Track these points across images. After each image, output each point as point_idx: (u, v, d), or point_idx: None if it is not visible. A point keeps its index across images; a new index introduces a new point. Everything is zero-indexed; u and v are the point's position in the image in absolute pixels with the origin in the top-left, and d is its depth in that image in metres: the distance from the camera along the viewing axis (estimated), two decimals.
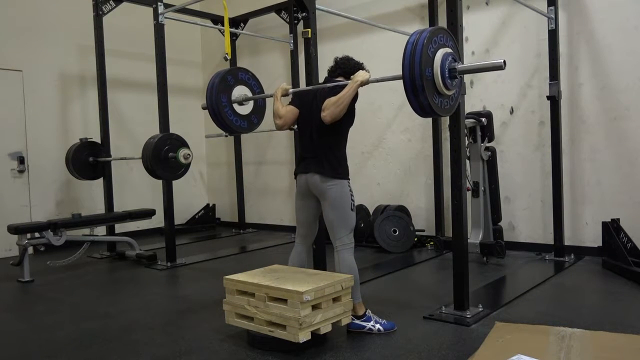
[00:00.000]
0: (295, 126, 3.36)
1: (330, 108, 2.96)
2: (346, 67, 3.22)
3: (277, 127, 3.28)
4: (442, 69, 2.70)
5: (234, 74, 3.80)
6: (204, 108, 3.80)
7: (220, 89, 3.64)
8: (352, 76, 3.06)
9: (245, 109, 3.84)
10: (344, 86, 3.02)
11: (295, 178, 3.29)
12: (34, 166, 6.23)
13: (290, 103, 3.31)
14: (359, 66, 3.23)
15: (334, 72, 3.27)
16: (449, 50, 2.78)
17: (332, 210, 3.10)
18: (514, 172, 5.37)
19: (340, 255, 3.12)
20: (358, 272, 3.15)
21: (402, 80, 2.70)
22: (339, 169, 3.11)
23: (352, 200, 3.13)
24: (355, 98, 3.05)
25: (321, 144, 3.12)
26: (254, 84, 3.89)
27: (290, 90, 3.37)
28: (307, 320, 2.72)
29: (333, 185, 3.07)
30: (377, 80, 3.07)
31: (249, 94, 3.82)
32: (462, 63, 2.91)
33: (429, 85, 2.65)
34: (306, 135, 3.20)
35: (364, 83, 3.00)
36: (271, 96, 3.46)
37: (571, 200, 5.06)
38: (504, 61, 2.73)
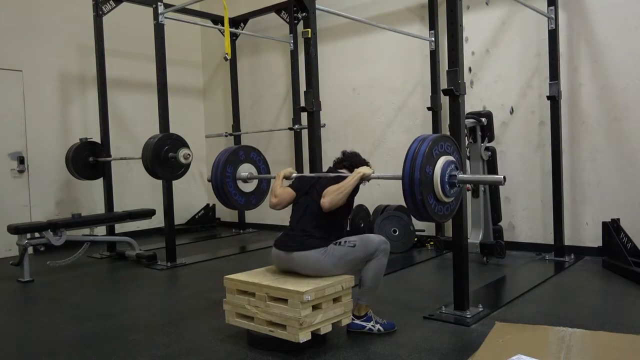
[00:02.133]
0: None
1: (331, 195, 2.98)
2: (353, 160, 3.29)
3: (271, 205, 3.31)
4: (443, 173, 2.71)
5: (246, 151, 3.81)
6: (208, 180, 3.81)
7: (229, 160, 3.65)
8: (355, 169, 3.11)
9: (247, 187, 3.82)
10: (345, 178, 3.06)
11: (272, 249, 3.17)
12: (34, 166, 6.23)
13: (290, 185, 3.34)
14: (364, 162, 3.30)
15: (339, 163, 3.33)
16: (450, 158, 2.80)
17: (346, 268, 3.02)
18: (514, 172, 5.37)
19: (374, 260, 3.04)
20: (382, 278, 3.11)
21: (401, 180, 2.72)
22: (325, 241, 3.02)
23: (345, 243, 3.01)
24: (355, 190, 3.09)
25: (313, 224, 3.06)
26: (263, 168, 3.88)
27: (294, 174, 3.41)
28: (308, 320, 2.72)
29: (325, 259, 2.95)
30: (379, 177, 3.14)
31: (255, 173, 3.83)
32: (464, 172, 2.95)
33: (426, 182, 2.65)
34: (299, 212, 3.16)
35: (365, 177, 3.05)
36: (274, 177, 3.50)
37: (571, 200, 5.06)
38: (504, 177, 2.78)
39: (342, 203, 3.01)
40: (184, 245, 6.36)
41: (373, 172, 3.10)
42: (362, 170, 3.06)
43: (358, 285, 3.09)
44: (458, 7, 3.30)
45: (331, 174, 3.22)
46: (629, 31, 4.68)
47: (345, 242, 3.03)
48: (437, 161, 2.72)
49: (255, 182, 3.87)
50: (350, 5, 6.31)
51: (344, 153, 3.37)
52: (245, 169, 3.78)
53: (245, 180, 3.77)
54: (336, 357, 2.78)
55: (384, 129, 6.24)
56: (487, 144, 4.96)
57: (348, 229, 3.28)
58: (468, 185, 4.75)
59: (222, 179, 3.64)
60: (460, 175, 2.83)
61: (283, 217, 7.46)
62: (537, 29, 5.15)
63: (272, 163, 7.37)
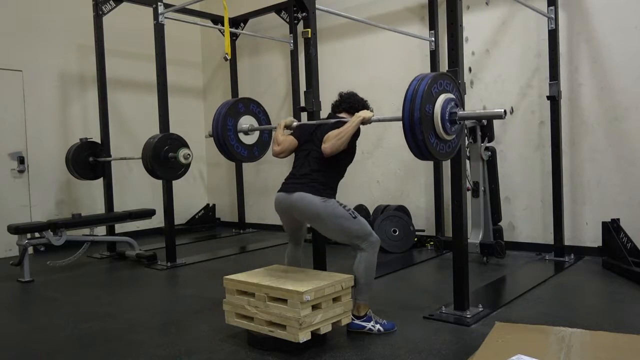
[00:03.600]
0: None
1: (332, 140, 2.99)
2: (351, 102, 3.28)
3: (274, 153, 3.33)
4: (443, 111, 2.70)
5: (245, 104, 3.80)
6: (208, 136, 3.81)
7: (229, 113, 3.64)
8: (355, 113, 3.10)
9: (249, 139, 3.83)
10: (346, 122, 3.06)
11: (276, 194, 3.20)
12: (34, 166, 6.23)
13: (292, 134, 3.35)
14: (363, 103, 3.29)
15: (337, 107, 3.32)
16: (450, 95, 2.79)
17: (336, 231, 3.05)
18: (514, 172, 5.37)
19: (362, 255, 3.07)
20: (374, 273, 3.13)
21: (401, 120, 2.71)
22: (329, 191, 3.07)
23: (348, 210, 3.06)
24: (356, 134, 3.09)
25: (316, 169, 3.09)
26: (263, 119, 3.88)
27: (295, 123, 3.41)
28: (307, 320, 2.72)
29: (323, 206, 2.99)
30: (379, 120, 3.12)
31: (255, 124, 3.83)
32: (463, 109, 2.93)
33: (427, 121, 2.64)
34: (301, 158, 3.20)
35: (365, 120, 3.04)
36: (275, 128, 3.51)
37: (571, 200, 5.06)
38: (505, 110, 2.77)
39: (343, 148, 3.01)
40: (184, 245, 6.36)
41: (373, 115, 3.08)
42: (362, 114, 3.05)
43: (353, 285, 3.09)
44: (458, 7, 3.30)
45: (331, 120, 3.22)
46: (629, 31, 4.68)
47: (348, 208, 3.06)
48: (436, 99, 2.71)
49: (257, 133, 3.86)
50: (350, 5, 6.30)
51: (341, 95, 3.34)
52: (246, 121, 3.76)
53: (246, 133, 3.77)
54: (336, 357, 2.77)
55: (384, 129, 6.24)
56: (487, 144, 4.96)
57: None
58: (468, 185, 4.75)
59: (224, 133, 3.63)
60: (460, 112, 2.81)
61: None
62: (537, 29, 5.15)
63: (272, 163, 7.41)
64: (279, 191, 3.19)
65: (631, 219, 4.64)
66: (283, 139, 3.31)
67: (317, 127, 3.25)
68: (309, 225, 3.32)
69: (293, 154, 3.34)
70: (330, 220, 3.02)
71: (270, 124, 3.94)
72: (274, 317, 2.80)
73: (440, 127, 2.70)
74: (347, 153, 3.13)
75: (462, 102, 3.01)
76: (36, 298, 4.33)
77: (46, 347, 3.12)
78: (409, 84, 2.73)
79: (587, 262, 4.79)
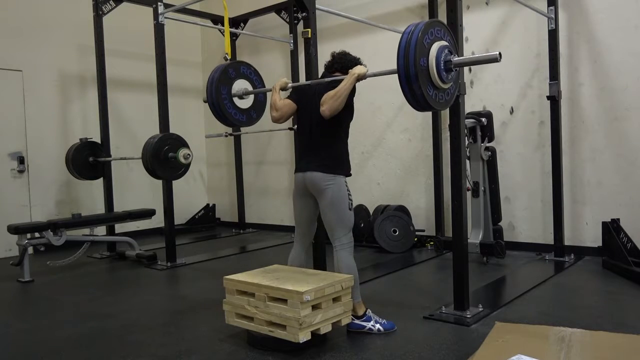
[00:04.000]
0: (296, 126, 3.36)
1: (329, 102, 2.97)
2: (343, 61, 3.23)
3: (273, 120, 3.28)
4: (438, 60, 2.68)
5: (235, 68, 3.78)
6: (205, 101, 3.79)
7: (221, 80, 3.62)
8: (349, 70, 3.06)
9: (245, 103, 3.82)
10: (341, 81, 3.03)
11: (294, 175, 3.27)
12: (34, 166, 6.23)
13: (289, 97, 3.32)
14: (356, 61, 3.24)
15: (331, 67, 3.28)
16: (445, 43, 2.76)
17: (329, 209, 3.10)
18: (514, 172, 5.37)
19: (339, 255, 3.13)
20: (357, 272, 3.15)
21: (397, 74, 2.67)
22: (341, 165, 3.13)
23: (350, 200, 3.13)
24: (353, 92, 3.06)
25: (322, 140, 3.13)
26: (256, 79, 3.87)
27: (290, 84, 3.39)
28: (307, 320, 2.72)
29: (331, 183, 3.07)
30: (374, 75, 3.07)
31: (250, 88, 3.80)
32: (458, 56, 2.90)
33: (423, 75, 2.62)
34: (306, 132, 3.20)
35: (361, 76, 3.01)
36: (270, 90, 3.46)
37: (571, 200, 5.06)
38: (499, 53, 2.70)
39: (342, 107, 3.00)
40: (184, 245, 6.36)
41: (367, 71, 3.05)
42: (357, 70, 3.02)
43: None
44: (458, 7, 3.30)
45: (326, 79, 3.19)
46: (629, 31, 4.68)
47: (350, 196, 3.13)
48: (430, 49, 2.67)
49: (252, 96, 3.84)
50: (350, 5, 6.31)
51: (333, 55, 3.30)
52: (240, 85, 3.75)
53: (241, 97, 3.75)
54: (336, 357, 2.77)
55: (384, 129, 6.24)
56: (487, 144, 4.96)
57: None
58: (468, 185, 4.75)
59: (219, 101, 3.63)
60: (455, 59, 2.79)
61: (282, 218, 7.48)
62: (537, 29, 5.15)
63: (272, 163, 7.43)
64: (295, 172, 3.24)
65: (631, 219, 4.64)
66: (282, 104, 3.26)
67: (314, 90, 3.21)
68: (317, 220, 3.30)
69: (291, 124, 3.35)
70: (332, 196, 3.06)
71: (263, 83, 3.89)
72: (274, 317, 2.80)
73: (437, 76, 2.68)
74: (346, 111, 3.10)
75: (456, 47, 2.97)
76: (36, 298, 4.32)
77: (46, 347, 3.12)
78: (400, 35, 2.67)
79: (587, 262, 4.79)
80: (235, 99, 3.75)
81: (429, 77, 2.68)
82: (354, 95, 3.10)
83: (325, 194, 3.09)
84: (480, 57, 2.89)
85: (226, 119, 3.75)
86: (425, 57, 2.65)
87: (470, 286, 3.45)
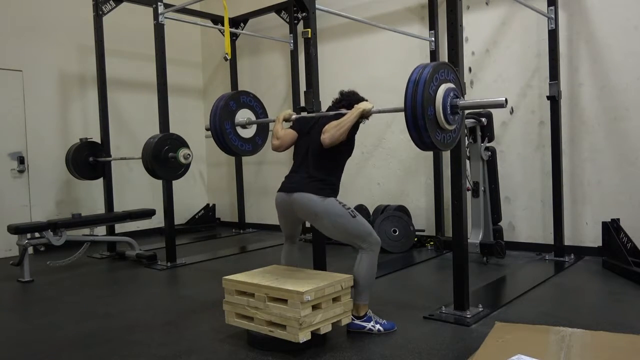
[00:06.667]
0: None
1: (331, 130, 2.97)
2: (351, 99, 3.26)
3: (273, 148, 3.32)
4: (444, 106, 2.69)
5: (235, 99, 3.77)
6: (207, 129, 3.79)
7: (223, 116, 3.63)
8: (355, 105, 3.08)
9: (248, 132, 3.80)
10: (345, 115, 3.05)
11: (276, 194, 3.20)
12: (34, 166, 6.23)
13: (291, 127, 3.34)
14: (362, 100, 3.27)
15: (338, 103, 3.31)
16: (451, 85, 2.77)
17: (335, 231, 3.04)
18: (514, 172, 5.37)
19: (362, 256, 3.07)
20: (374, 275, 3.12)
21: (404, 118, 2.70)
22: (330, 192, 3.06)
23: (349, 210, 3.05)
24: (355, 128, 3.08)
25: (315, 168, 3.08)
26: (257, 106, 3.86)
27: (294, 116, 3.40)
28: (307, 320, 2.72)
29: (322, 206, 2.98)
30: (379, 111, 3.09)
31: (252, 117, 3.80)
32: (464, 98, 2.92)
33: (431, 123, 2.64)
34: (300, 155, 3.19)
35: (366, 112, 3.02)
36: (273, 120, 3.48)
37: (571, 200, 5.06)
38: (506, 99, 2.74)
39: (342, 139, 2.99)
40: (184, 245, 6.36)
41: (373, 107, 3.06)
42: (362, 105, 3.03)
43: (352, 285, 3.08)
44: (458, 7, 3.30)
45: (331, 112, 3.21)
46: (629, 31, 4.68)
47: (348, 207, 3.05)
48: (437, 90, 2.69)
49: (255, 125, 3.85)
50: (350, 5, 6.31)
51: (341, 93, 3.34)
52: (243, 115, 3.75)
53: (244, 127, 3.76)
54: (336, 357, 2.77)
55: (384, 129, 6.24)
56: (487, 144, 4.96)
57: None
58: (468, 185, 4.75)
59: (224, 137, 3.62)
60: (461, 102, 2.80)
61: None
62: (537, 29, 5.15)
63: (272, 163, 7.43)
64: (279, 190, 3.18)
65: (631, 219, 4.64)
66: (283, 133, 3.29)
67: (316, 120, 3.23)
68: (308, 225, 3.32)
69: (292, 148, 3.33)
70: (329, 219, 3.01)
71: (264, 109, 3.90)
72: (274, 317, 2.80)
73: (443, 118, 2.69)
74: (346, 146, 3.10)
75: (462, 90, 2.99)
76: (36, 298, 4.32)
77: (46, 347, 3.12)
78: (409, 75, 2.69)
79: (587, 262, 4.79)
80: (239, 129, 3.75)
81: (436, 123, 2.70)
82: (356, 132, 3.12)
83: (320, 220, 3.02)
84: (487, 102, 2.93)
85: (232, 151, 3.73)
86: (432, 105, 2.67)
87: (470, 286, 3.45)
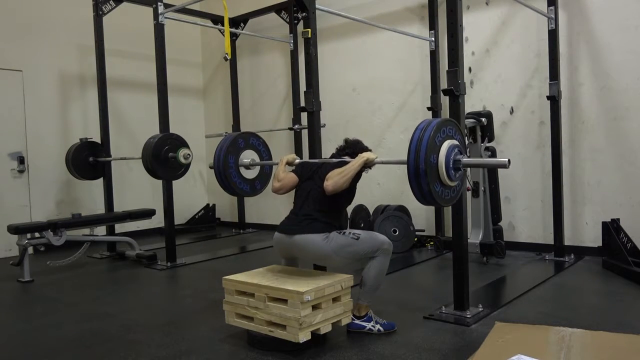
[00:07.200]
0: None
1: (335, 177, 2.97)
2: (355, 148, 3.28)
3: (273, 190, 3.32)
4: (447, 159, 2.71)
5: (245, 138, 3.78)
6: (210, 167, 3.80)
7: (229, 150, 3.63)
8: (359, 154, 3.10)
9: (250, 174, 3.81)
10: (348, 163, 3.06)
11: (275, 234, 3.19)
12: (34, 166, 6.23)
13: (293, 171, 3.35)
14: (367, 150, 3.29)
15: (342, 151, 3.33)
16: (455, 142, 2.79)
17: (347, 260, 3.03)
18: (514, 172, 5.37)
19: (376, 258, 3.05)
20: (384, 278, 3.12)
21: (406, 165, 2.72)
22: (330, 226, 3.04)
23: (349, 234, 3.01)
24: (358, 177, 3.10)
25: (316, 208, 3.07)
26: (263, 151, 3.87)
27: (297, 160, 3.42)
28: (307, 320, 2.72)
29: (328, 246, 2.96)
30: (382, 162, 3.12)
31: (257, 159, 3.81)
32: (468, 156, 2.94)
33: (432, 171, 2.66)
34: (302, 198, 3.18)
35: (369, 161, 3.04)
36: (277, 163, 3.50)
37: (571, 200, 5.06)
38: (509, 160, 2.75)
39: (345, 187, 3.00)
40: (184, 245, 6.36)
41: (376, 157, 3.08)
42: (366, 155, 3.05)
43: (359, 284, 3.09)
44: (458, 7, 3.30)
45: (334, 160, 3.23)
46: (628, 31, 4.68)
47: (349, 232, 3.03)
48: (440, 148, 2.71)
49: (258, 167, 3.85)
50: (350, 5, 6.30)
51: (346, 141, 3.37)
52: (247, 156, 3.76)
53: (247, 167, 3.77)
54: (336, 357, 2.77)
55: (384, 129, 6.24)
56: (487, 144, 4.96)
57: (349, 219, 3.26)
58: (468, 185, 4.75)
59: (226, 170, 3.63)
60: (465, 159, 2.82)
61: (282, 218, 7.46)
62: (537, 29, 5.15)
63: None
64: (278, 231, 3.16)
65: (631, 219, 4.64)
66: (284, 175, 3.30)
67: (319, 166, 3.25)
68: None
69: (292, 191, 3.33)
70: (337, 255, 3.00)
71: (270, 155, 3.92)
72: (274, 317, 2.80)
73: (445, 175, 2.71)
74: (347, 193, 3.12)
75: (465, 147, 3.02)
76: (36, 298, 4.32)
77: (46, 347, 3.12)
78: (413, 131, 2.72)
79: (587, 262, 4.79)
80: (242, 169, 3.75)
81: (437, 174, 2.71)
82: (357, 181, 3.13)
83: (331, 260, 3.02)
84: (489, 161, 2.97)
85: (231, 188, 3.73)
86: (436, 154, 2.69)
87: (470, 286, 3.45)
